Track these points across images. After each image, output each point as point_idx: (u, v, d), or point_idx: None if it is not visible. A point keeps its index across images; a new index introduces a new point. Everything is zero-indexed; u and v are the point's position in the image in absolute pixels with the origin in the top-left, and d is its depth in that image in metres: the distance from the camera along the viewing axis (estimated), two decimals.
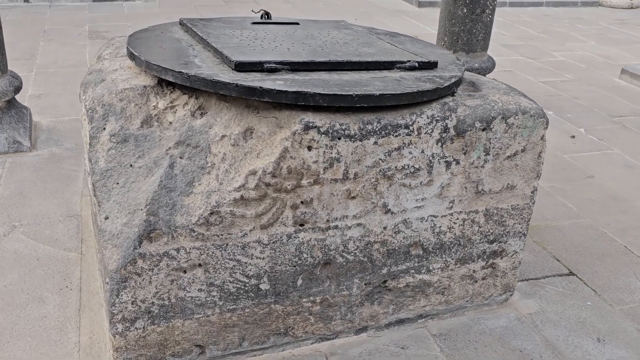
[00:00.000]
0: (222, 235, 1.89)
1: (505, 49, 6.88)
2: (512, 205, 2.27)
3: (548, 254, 2.89)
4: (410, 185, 2.05)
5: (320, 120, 1.85)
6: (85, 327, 2.27)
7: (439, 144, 2.02)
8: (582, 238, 3.05)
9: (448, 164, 2.07)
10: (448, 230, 2.21)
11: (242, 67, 1.92)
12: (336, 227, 2.03)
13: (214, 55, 2.09)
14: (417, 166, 2.02)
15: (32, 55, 5.56)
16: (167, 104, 1.99)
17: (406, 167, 2.01)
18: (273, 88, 1.79)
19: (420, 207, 2.11)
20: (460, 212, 2.19)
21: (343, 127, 1.87)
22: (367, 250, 2.11)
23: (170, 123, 1.97)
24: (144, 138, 1.95)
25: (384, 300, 2.26)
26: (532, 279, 2.69)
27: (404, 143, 1.96)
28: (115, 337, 1.93)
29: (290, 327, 2.16)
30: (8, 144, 3.54)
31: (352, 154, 1.91)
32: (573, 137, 4.40)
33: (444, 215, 2.18)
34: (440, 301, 2.36)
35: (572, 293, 2.62)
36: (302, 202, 1.94)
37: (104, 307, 2.28)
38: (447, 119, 2.01)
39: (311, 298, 2.13)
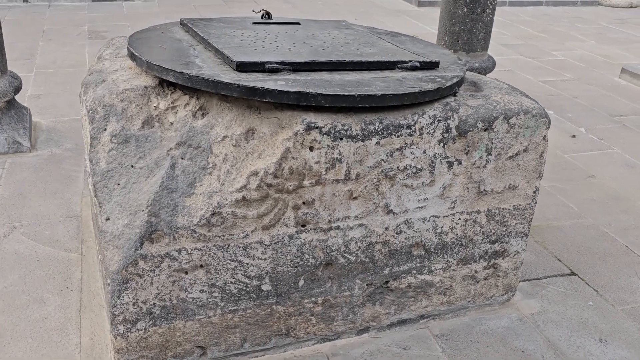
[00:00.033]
0: (223, 236, 1.88)
1: (505, 48, 6.88)
2: (514, 206, 2.27)
3: (549, 254, 2.89)
4: (412, 185, 2.04)
5: (322, 120, 1.84)
6: (86, 328, 2.26)
7: (441, 144, 2.02)
8: (583, 238, 3.05)
9: (450, 164, 2.06)
10: (450, 230, 2.20)
11: (243, 67, 1.92)
12: (338, 227, 2.02)
13: (215, 56, 2.08)
14: (419, 166, 2.02)
15: (32, 55, 5.55)
16: (168, 105, 1.99)
17: (408, 167, 2.00)
18: (275, 88, 1.79)
19: (422, 207, 2.11)
20: (462, 212, 2.19)
21: (345, 128, 1.86)
22: (369, 250, 2.11)
23: (172, 124, 1.96)
24: (145, 139, 1.94)
25: (386, 300, 2.25)
26: (533, 279, 2.69)
27: (405, 143, 1.96)
28: (116, 338, 1.92)
29: (291, 328, 2.15)
30: (8, 144, 3.53)
31: (354, 154, 1.90)
32: (573, 136, 4.40)
33: (446, 216, 2.17)
34: (442, 301, 2.36)
35: (573, 293, 2.62)
36: (303, 203, 1.93)
37: (104, 308, 2.27)
38: (449, 119, 2.00)
39: (313, 299, 2.12)
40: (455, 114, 2.01)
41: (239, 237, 1.90)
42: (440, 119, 1.99)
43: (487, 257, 2.33)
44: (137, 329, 1.93)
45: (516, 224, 2.31)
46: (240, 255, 1.93)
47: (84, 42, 6.10)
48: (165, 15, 7.33)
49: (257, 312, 2.06)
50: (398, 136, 1.94)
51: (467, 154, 2.07)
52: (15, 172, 3.36)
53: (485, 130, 2.06)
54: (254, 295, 2.02)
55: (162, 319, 1.94)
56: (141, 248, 1.81)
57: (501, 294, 2.47)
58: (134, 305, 1.88)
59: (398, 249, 2.15)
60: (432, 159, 2.02)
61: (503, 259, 2.37)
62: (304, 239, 1.99)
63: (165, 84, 2.03)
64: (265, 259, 1.97)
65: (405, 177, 2.01)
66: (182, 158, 1.90)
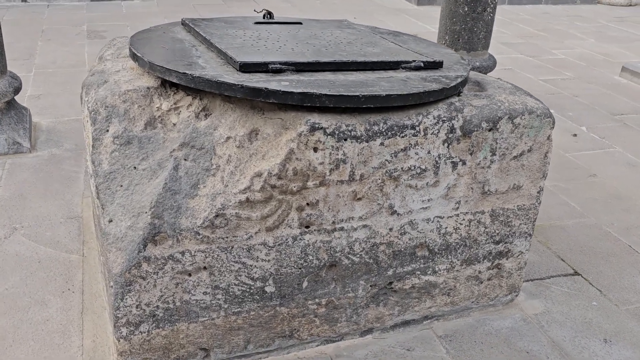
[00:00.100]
0: (227, 237, 1.87)
1: (505, 47, 6.87)
2: (518, 206, 2.26)
3: (552, 254, 2.88)
4: (416, 186, 2.03)
5: (326, 121, 1.83)
6: (88, 330, 2.25)
7: (445, 144, 2.00)
8: (586, 237, 3.04)
9: (454, 165, 2.05)
10: (454, 231, 2.19)
11: (246, 67, 1.90)
12: (342, 228, 2.01)
13: (217, 56, 2.07)
14: (423, 167, 2.00)
15: (31, 55, 5.53)
16: (171, 106, 1.97)
17: (412, 168, 1.99)
18: (279, 89, 1.77)
19: (426, 208, 2.10)
20: (466, 212, 2.18)
21: (349, 128, 1.85)
22: (373, 251, 2.10)
23: (174, 125, 1.95)
24: (147, 140, 1.93)
25: (390, 301, 2.24)
26: (537, 279, 2.68)
27: (410, 144, 1.95)
28: (119, 341, 1.91)
29: (295, 329, 2.14)
30: (8, 145, 3.52)
31: (358, 155, 1.89)
32: (575, 135, 4.39)
33: (450, 216, 2.16)
34: (445, 302, 2.35)
35: (577, 293, 2.61)
36: (307, 204, 1.92)
37: (107, 310, 2.26)
38: (454, 119, 1.99)
39: (317, 300, 2.11)
40: (459, 114, 2.00)
41: (243, 239, 1.89)
42: (444, 119, 1.97)
43: (491, 257, 2.32)
44: (140, 332, 1.92)
45: (520, 224, 2.30)
46: (244, 257, 1.92)
47: (83, 42, 6.08)
48: (165, 14, 7.31)
49: (260, 314, 2.05)
50: (402, 137, 1.92)
51: (471, 154, 2.06)
52: (15, 172, 3.35)
53: (489, 130, 2.05)
54: (258, 297, 2.01)
55: (165, 321, 1.93)
56: (144, 250, 1.79)
57: (505, 294, 2.46)
58: (137, 307, 1.87)
59: (402, 249, 2.14)
60: (437, 159, 2.01)
61: (507, 259, 2.36)
62: (308, 240, 1.98)
63: (167, 85, 2.02)
64: (268, 261, 1.96)
65: (410, 177, 2.00)
66: (185, 159, 1.88)
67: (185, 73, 1.86)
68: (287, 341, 2.16)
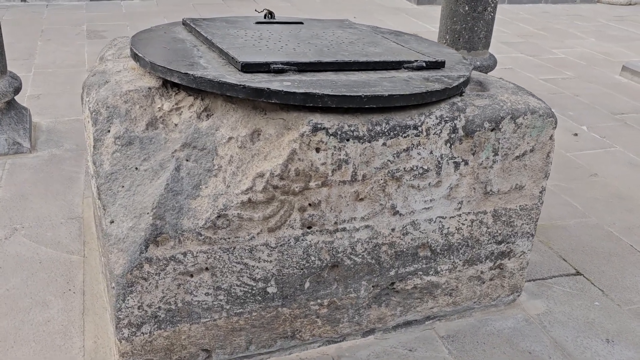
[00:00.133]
0: (229, 238, 1.86)
1: (505, 46, 6.86)
2: (520, 206, 2.25)
3: (554, 254, 2.87)
4: (418, 186, 2.03)
5: (328, 121, 1.82)
6: (89, 331, 2.24)
7: (448, 144, 2.00)
8: (588, 237, 3.03)
9: (457, 165, 2.05)
10: (456, 231, 2.19)
11: (248, 68, 1.90)
12: (344, 229, 2.00)
13: (219, 56, 2.06)
14: (425, 167, 2.00)
15: (31, 55, 5.52)
16: (173, 106, 1.97)
17: (415, 168, 1.98)
18: (281, 89, 1.77)
19: (428, 208, 2.09)
20: (469, 213, 2.17)
21: (352, 129, 1.84)
22: (375, 252, 2.09)
23: (176, 125, 1.94)
24: (149, 140, 1.92)
25: (392, 302, 2.24)
26: (539, 279, 2.67)
27: (412, 144, 1.94)
28: (121, 342, 1.90)
29: (297, 330, 2.14)
30: (8, 145, 3.51)
31: (360, 155, 1.88)
32: (576, 134, 4.38)
33: (452, 217, 2.15)
34: (447, 302, 2.34)
35: (579, 293, 2.61)
36: (310, 205, 1.91)
37: (108, 311, 2.25)
38: (456, 119, 1.98)
39: (319, 301, 2.11)
40: (462, 114, 2.00)
41: (245, 240, 1.89)
42: (447, 119, 1.97)
43: (493, 257, 2.32)
44: (142, 333, 1.91)
45: (522, 224, 2.30)
46: (246, 258, 1.92)
47: (83, 41, 6.07)
48: (164, 14, 7.31)
49: (262, 315, 2.05)
50: (405, 137, 1.92)
51: (473, 154, 2.06)
52: (15, 173, 3.34)
53: (492, 130, 2.04)
54: (260, 298, 2.01)
55: (167, 322, 1.92)
56: (146, 251, 1.79)
57: (507, 294, 2.46)
58: (139, 308, 1.86)
59: (404, 250, 2.13)
60: (439, 159, 2.01)
61: (509, 259, 2.36)
62: (310, 241, 1.98)
63: (169, 85, 2.01)
64: (271, 261, 1.95)
65: (412, 178, 2.00)
66: (187, 160, 1.88)
67: (187, 73, 1.85)
68: (289, 342, 2.15)
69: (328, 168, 1.86)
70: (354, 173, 1.91)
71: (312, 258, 2.01)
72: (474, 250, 2.26)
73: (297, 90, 1.77)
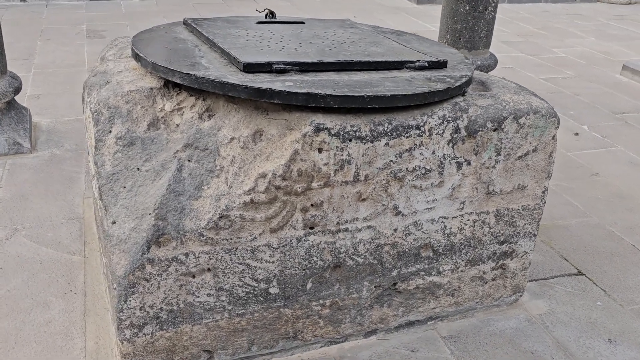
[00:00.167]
0: (231, 239, 1.86)
1: (505, 45, 6.86)
2: (522, 206, 2.25)
3: (556, 254, 2.87)
4: (421, 186, 2.02)
5: (331, 121, 1.82)
6: (90, 332, 2.24)
7: (450, 144, 1.99)
8: (590, 237, 3.03)
9: (459, 165, 2.04)
10: (458, 231, 2.18)
11: (250, 68, 1.89)
12: (346, 229, 2.00)
13: (220, 56, 2.06)
14: (428, 167, 1.99)
15: (30, 55, 5.51)
16: (174, 106, 1.96)
17: (417, 168, 1.98)
18: (283, 90, 1.76)
19: (430, 208, 2.09)
20: (471, 213, 2.17)
21: (354, 129, 1.84)
22: (377, 252, 2.08)
23: (178, 125, 1.94)
24: (150, 141, 1.91)
25: (394, 302, 2.23)
26: (541, 279, 2.67)
27: (415, 144, 1.93)
28: (123, 343, 1.90)
29: (299, 330, 2.13)
30: (8, 145, 3.50)
31: (362, 155, 1.88)
32: (577, 134, 4.38)
33: (455, 217, 2.15)
34: (450, 303, 2.34)
35: (581, 293, 2.60)
36: (312, 205, 1.91)
37: (109, 311, 2.25)
38: (459, 119, 1.98)
39: (321, 301, 2.10)
40: (464, 114, 1.99)
41: (247, 240, 1.88)
42: (449, 119, 1.96)
43: (495, 257, 2.31)
44: (144, 334, 1.90)
45: (525, 224, 2.29)
46: (248, 259, 1.91)
47: (83, 41, 6.06)
48: (164, 14, 7.30)
49: (264, 316, 2.04)
50: (407, 137, 1.91)
51: (476, 154, 2.05)
52: (16, 173, 3.33)
53: (494, 130, 2.03)
54: (262, 299, 2.00)
55: (169, 323, 1.92)
56: (148, 252, 1.78)
57: (509, 294, 2.45)
58: (140, 309, 1.85)
59: (406, 250, 2.13)
60: (441, 159, 2.00)
61: (511, 259, 2.35)
62: (312, 242, 1.97)
63: (170, 85, 2.01)
64: (273, 262, 1.95)
65: (414, 178, 1.99)
66: (189, 160, 1.87)
67: (188, 73, 1.84)
68: (291, 342, 2.15)
69: (330, 168, 1.86)
70: (356, 173, 1.90)
71: (314, 258, 2.00)
72: (477, 250, 2.26)
73: (299, 91, 1.77)
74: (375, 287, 2.16)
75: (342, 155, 1.85)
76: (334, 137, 1.82)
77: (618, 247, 2.96)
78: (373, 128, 1.86)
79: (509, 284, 2.42)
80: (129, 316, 1.85)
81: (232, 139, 1.86)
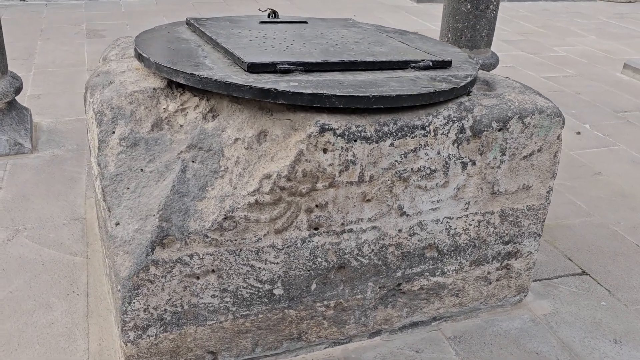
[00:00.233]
0: (235, 240, 1.85)
1: (506, 44, 6.85)
2: (527, 206, 2.24)
3: (560, 253, 2.86)
4: (426, 187, 2.01)
5: (335, 122, 1.81)
6: (93, 333, 2.23)
7: (455, 144, 1.98)
8: (593, 237, 3.02)
9: (464, 165, 2.03)
10: (463, 231, 2.17)
11: (254, 68, 1.88)
12: (351, 230, 1.99)
13: (224, 56, 2.05)
14: (433, 167, 1.98)
15: (30, 55, 5.50)
16: (178, 107, 1.95)
17: (422, 168, 1.97)
18: (288, 90, 1.75)
19: (435, 209, 2.08)
20: (476, 213, 2.16)
21: (359, 129, 1.83)
22: (382, 253, 2.08)
23: (181, 126, 1.93)
24: (154, 142, 1.90)
25: (398, 303, 2.22)
26: (545, 279, 2.66)
27: (420, 144, 1.92)
28: (127, 345, 1.89)
29: (303, 332, 2.12)
30: (9, 145, 3.49)
31: (367, 156, 1.87)
32: (578, 133, 4.37)
33: (459, 217, 2.14)
34: (454, 303, 2.33)
35: (585, 293, 2.59)
36: (316, 206, 1.90)
37: (112, 313, 2.24)
38: (464, 119, 1.97)
39: (325, 302, 2.09)
40: (469, 114, 1.98)
41: (251, 241, 1.87)
42: (454, 119, 1.95)
43: (500, 258, 2.31)
44: (148, 335, 1.89)
45: (529, 224, 2.28)
46: (253, 260, 1.90)
47: (83, 41, 6.05)
48: (164, 13, 7.28)
49: (268, 317, 2.03)
50: (412, 137, 1.90)
51: (481, 154, 2.04)
52: (17, 173, 3.32)
53: (499, 130, 2.02)
54: (266, 300, 1.99)
55: (173, 324, 1.91)
56: (152, 253, 1.77)
57: (513, 294, 2.44)
58: (144, 311, 1.84)
59: (411, 251, 2.12)
60: (446, 159, 1.99)
61: (516, 259, 2.34)
62: (317, 242, 1.96)
63: (174, 86, 2.00)
64: (277, 263, 1.94)
65: (419, 178, 1.98)
66: (193, 161, 1.86)
67: (193, 74, 1.83)
68: (295, 344, 2.14)
69: (335, 169, 1.85)
70: (361, 174, 1.89)
71: (319, 259, 1.99)
72: (481, 250, 2.25)
73: (304, 91, 1.76)
74: (379, 287, 2.15)
75: (347, 155, 1.84)
76: (339, 138, 1.81)
77: (622, 246, 2.95)
78: (378, 128, 1.85)
79: (514, 284, 2.41)
80: (133, 318, 1.84)
81: (237, 139, 1.85)
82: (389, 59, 2.08)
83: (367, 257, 2.06)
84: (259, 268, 1.92)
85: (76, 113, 4.17)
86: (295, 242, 1.93)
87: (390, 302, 2.21)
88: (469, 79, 2.04)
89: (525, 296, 2.49)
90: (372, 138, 1.85)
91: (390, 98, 1.82)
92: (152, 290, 1.82)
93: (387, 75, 2.01)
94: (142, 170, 1.87)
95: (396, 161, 1.92)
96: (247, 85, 1.76)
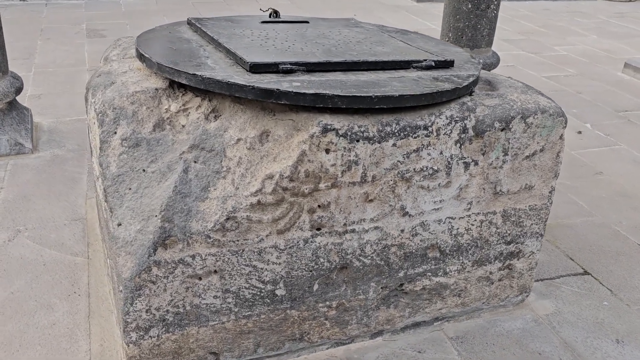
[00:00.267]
0: (238, 241, 1.84)
1: (506, 43, 6.84)
2: (529, 206, 2.23)
3: (562, 253, 2.86)
4: (428, 187, 2.01)
5: (338, 122, 1.80)
6: (95, 334, 2.22)
7: (458, 144, 1.98)
8: (595, 236, 3.02)
9: (466, 165, 2.03)
10: (465, 232, 2.17)
11: (257, 68, 1.87)
12: (353, 230, 1.98)
13: (226, 56, 2.04)
14: (435, 168, 1.98)
15: (30, 55, 5.49)
16: (180, 107, 1.94)
17: (425, 168, 1.96)
18: (291, 90, 1.75)
19: (438, 209, 2.07)
20: (478, 213, 2.15)
21: (362, 130, 1.82)
22: (384, 253, 2.07)
23: (183, 126, 1.92)
24: (156, 142, 1.90)
25: (400, 303, 2.22)
26: (547, 279, 2.66)
27: (422, 144, 1.92)
28: (129, 345, 1.88)
29: (305, 332, 2.12)
30: (10, 146, 3.48)
31: (370, 156, 1.86)
32: (579, 132, 4.37)
33: (462, 217, 2.13)
34: (456, 303, 2.32)
35: (588, 293, 2.59)
36: (319, 206, 1.89)
37: (114, 313, 2.23)
38: (466, 119, 1.96)
39: (327, 303, 2.09)
40: (472, 114, 1.98)
41: (254, 242, 1.87)
42: (457, 119, 1.95)
43: (502, 258, 2.30)
44: (150, 336, 1.89)
45: (532, 224, 2.28)
46: (255, 260, 1.90)
47: (83, 40, 6.04)
48: (164, 12, 7.28)
49: (271, 317, 2.03)
50: (415, 137, 1.90)
51: (483, 154, 2.04)
52: (17, 174, 3.32)
53: (502, 130, 2.02)
54: (268, 300, 1.99)
55: (175, 325, 1.90)
56: (154, 254, 1.77)
57: (516, 294, 2.44)
58: (147, 312, 1.84)
59: (413, 251, 2.12)
60: (449, 159, 1.99)
61: (518, 259, 2.34)
62: (319, 243, 1.96)
63: (175, 86, 1.99)
64: (279, 264, 1.93)
65: (422, 178, 1.98)
66: (195, 162, 1.86)
67: (195, 74, 1.83)
68: (297, 344, 2.13)
69: (338, 169, 1.84)
70: (363, 174, 1.89)
71: (321, 260, 1.99)
72: (483, 250, 2.24)
73: (307, 91, 1.75)
74: (381, 288, 2.14)
75: (350, 156, 1.84)
76: (341, 138, 1.80)
77: (623, 246, 2.95)
78: (381, 128, 1.85)
79: (516, 284, 2.41)
80: (135, 319, 1.83)
81: (239, 139, 1.85)
82: (391, 59, 2.08)
83: (369, 258, 2.05)
84: (262, 269, 1.92)
85: (77, 113, 4.16)
86: (297, 242, 1.92)
87: (392, 302, 2.20)
88: (471, 79, 2.03)
89: (527, 296, 2.48)
90: (375, 138, 1.85)
91: (392, 98, 1.81)
92: (154, 291, 1.81)
93: (389, 75, 2.00)
94: (144, 170, 1.86)
95: (399, 161, 1.91)
96: (249, 86, 1.76)
